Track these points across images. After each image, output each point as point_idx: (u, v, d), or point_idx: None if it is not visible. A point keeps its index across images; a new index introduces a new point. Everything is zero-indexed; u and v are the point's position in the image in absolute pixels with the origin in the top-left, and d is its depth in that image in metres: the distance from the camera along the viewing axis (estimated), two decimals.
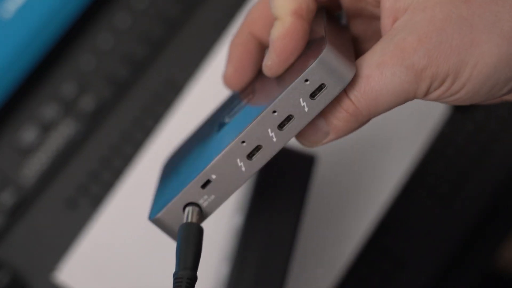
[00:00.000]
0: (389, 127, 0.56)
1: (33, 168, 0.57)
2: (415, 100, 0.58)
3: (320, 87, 0.34)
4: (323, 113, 0.35)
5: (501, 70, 0.33)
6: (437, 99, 0.35)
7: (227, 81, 0.40)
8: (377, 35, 0.37)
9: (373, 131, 0.56)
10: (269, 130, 0.34)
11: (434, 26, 0.33)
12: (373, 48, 0.34)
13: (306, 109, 0.34)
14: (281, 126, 0.34)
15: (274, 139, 0.34)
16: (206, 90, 0.57)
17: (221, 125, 0.39)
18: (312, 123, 0.35)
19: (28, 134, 0.57)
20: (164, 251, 0.54)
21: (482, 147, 0.59)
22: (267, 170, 0.45)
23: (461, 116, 0.60)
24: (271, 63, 0.36)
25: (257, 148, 0.35)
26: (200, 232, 0.36)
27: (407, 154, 0.55)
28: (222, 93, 0.56)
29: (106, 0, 0.60)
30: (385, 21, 0.35)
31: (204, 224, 0.36)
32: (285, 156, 0.45)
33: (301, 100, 0.34)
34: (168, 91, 0.59)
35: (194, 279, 0.34)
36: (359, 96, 0.34)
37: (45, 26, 0.57)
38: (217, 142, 0.37)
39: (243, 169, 0.35)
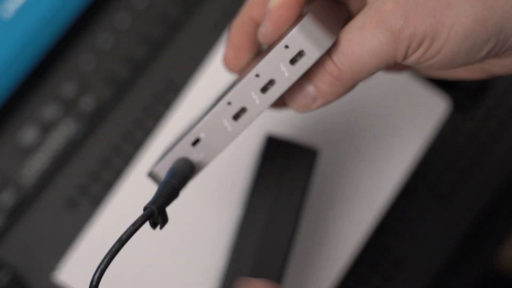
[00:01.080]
0: (389, 127, 0.56)
1: (33, 168, 0.57)
2: (416, 100, 0.58)
3: (300, 54, 0.36)
4: (310, 78, 0.37)
5: (477, 31, 0.34)
6: (416, 62, 0.36)
7: (227, 62, 0.42)
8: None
9: (373, 131, 0.56)
10: (253, 93, 0.37)
11: None
12: (357, 16, 0.36)
13: (286, 74, 0.36)
14: (263, 89, 0.37)
15: (257, 102, 0.37)
16: (206, 90, 0.57)
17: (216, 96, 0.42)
18: (300, 87, 0.37)
19: (28, 134, 0.57)
20: (164, 250, 0.54)
21: (482, 147, 0.59)
22: (269, 162, 0.46)
23: (461, 116, 0.60)
24: (266, 31, 0.38)
25: (242, 110, 0.37)
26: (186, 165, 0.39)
27: (407, 154, 0.55)
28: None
29: (106, 0, 0.60)
30: None
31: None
32: (287, 148, 0.47)
33: (281, 65, 0.36)
34: (168, 91, 0.59)
35: (153, 212, 0.36)
36: (342, 59, 0.35)
37: (45, 26, 0.57)
38: (211, 107, 0.40)
39: (229, 129, 0.38)
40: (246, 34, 0.41)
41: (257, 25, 0.41)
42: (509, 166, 0.59)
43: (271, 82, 0.37)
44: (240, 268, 0.45)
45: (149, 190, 0.55)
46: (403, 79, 0.57)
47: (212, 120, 0.38)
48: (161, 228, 0.36)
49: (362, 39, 0.35)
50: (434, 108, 0.56)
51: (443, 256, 0.57)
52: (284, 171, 0.46)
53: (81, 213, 0.56)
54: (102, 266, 0.34)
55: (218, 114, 0.38)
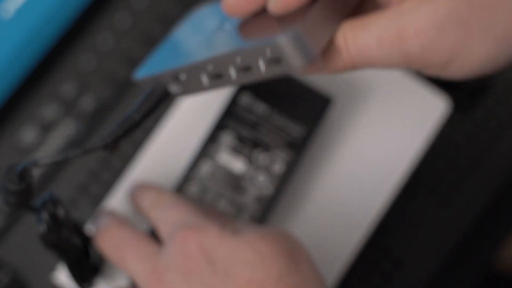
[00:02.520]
0: (389, 127, 0.56)
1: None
2: (415, 100, 0.58)
3: (278, 59, 0.37)
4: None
5: (487, 66, 0.36)
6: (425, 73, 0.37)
7: (229, 7, 0.40)
8: None
9: (373, 130, 0.56)
10: (231, 68, 0.38)
11: (434, 23, 0.35)
12: (377, 19, 0.36)
13: (262, 70, 0.37)
14: (239, 70, 0.38)
15: (233, 77, 0.39)
16: None
17: (218, 30, 0.43)
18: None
19: (28, 134, 0.57)
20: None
21: (482, 147, 0.59)
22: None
23: (461, 116, 0.60)
24: (273, 7, 0.38)
25: (219, 75, 0.39)
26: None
27: (407, 154, 0.55)
28: (221, 93, 0.56)
29: (106, 0, 0.60)
30: None
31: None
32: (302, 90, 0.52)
33: (260, 60, 0.37)
34: None
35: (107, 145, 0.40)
36: (357, 58, 0.37)
37: (45, 26, 0.57)
38: (202, 47, 0.42)
39: (205, 84, 0.40)
40: None
41: None
42: (509, 166, 0.59)
43: (248, 68, 0.38)
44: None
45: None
46: (403, 79, 0.57)
47: (192, 70, 0.40)
48: (110, 153, 0.40)
49: (379, 52, 0.36)
50: (434, 108, 0.56)
51: (443, 256, 0.57)
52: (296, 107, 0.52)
53: (81, 213, 0.56)
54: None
55: (200, 67, 0.39)
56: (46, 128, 0.58)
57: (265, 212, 0.50)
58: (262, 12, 0.41)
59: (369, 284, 0.56)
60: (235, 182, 0.51)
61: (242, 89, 0.52)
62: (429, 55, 0.35)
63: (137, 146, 0.57)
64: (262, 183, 0.51)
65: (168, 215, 0.46)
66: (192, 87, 0.41)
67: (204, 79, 0.40)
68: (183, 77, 0.41)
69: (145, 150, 0.56)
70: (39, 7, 0.57)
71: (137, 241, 0.45)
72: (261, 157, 0.51)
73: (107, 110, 0.58)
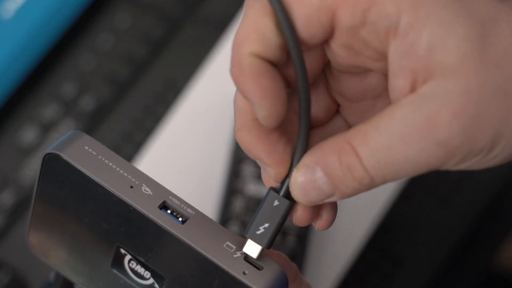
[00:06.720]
0: None
1: (33, 168, 0.57)
2: None
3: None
4: (331, 179, 0.30)
5: None
6: (464, 169, 0.32)
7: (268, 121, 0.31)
8: (369, 93, 0.33)
9: None
10: None
11: (469, 98, 0.29)
12: (391, 114, 0.30)
13: None
14: None
15: None
16: (206, 91, 0.57)
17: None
18: (314, 184, 0.31)
19: (28, 134, 0.57)
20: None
21: None
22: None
23: None
24: (262, 117, 0.31)
25: None
26: None
27: None
28: (221, 94, 0.56)
29: (106, 0, 0.60)
30: (399, 83, 0.30)
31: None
32: None
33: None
34: (168, 91, 0.59)
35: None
36: (378, 168, 0.30)
37: (45, 26, 0.57)
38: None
39: None
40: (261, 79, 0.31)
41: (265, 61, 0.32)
42: (509, 166, 0.59)
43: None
44: None
45: None
46: None
47: None
48: None
49: (407, 150, 0.29)
50: None
51: (442, 256, 0.57)
52: None
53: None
54: None
55: None
56: (46, 128, 0.58)
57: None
58: None
59: (369, 284, 0.56)
60: None
61: None
62: (474, 138, 0.30)
63: (137, 146, 0.57)
64: None
65: None
66: None
67: None
68: None
69: (145, 150, 0.56)
70: (39, 7, 0.57)
71: None
72: None
73: (107, 110, 0.58)
